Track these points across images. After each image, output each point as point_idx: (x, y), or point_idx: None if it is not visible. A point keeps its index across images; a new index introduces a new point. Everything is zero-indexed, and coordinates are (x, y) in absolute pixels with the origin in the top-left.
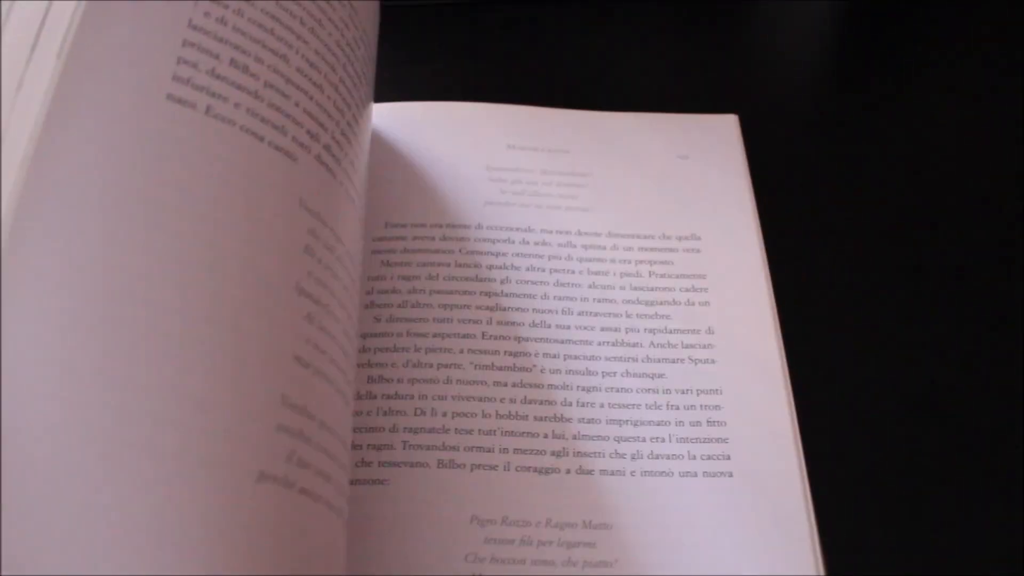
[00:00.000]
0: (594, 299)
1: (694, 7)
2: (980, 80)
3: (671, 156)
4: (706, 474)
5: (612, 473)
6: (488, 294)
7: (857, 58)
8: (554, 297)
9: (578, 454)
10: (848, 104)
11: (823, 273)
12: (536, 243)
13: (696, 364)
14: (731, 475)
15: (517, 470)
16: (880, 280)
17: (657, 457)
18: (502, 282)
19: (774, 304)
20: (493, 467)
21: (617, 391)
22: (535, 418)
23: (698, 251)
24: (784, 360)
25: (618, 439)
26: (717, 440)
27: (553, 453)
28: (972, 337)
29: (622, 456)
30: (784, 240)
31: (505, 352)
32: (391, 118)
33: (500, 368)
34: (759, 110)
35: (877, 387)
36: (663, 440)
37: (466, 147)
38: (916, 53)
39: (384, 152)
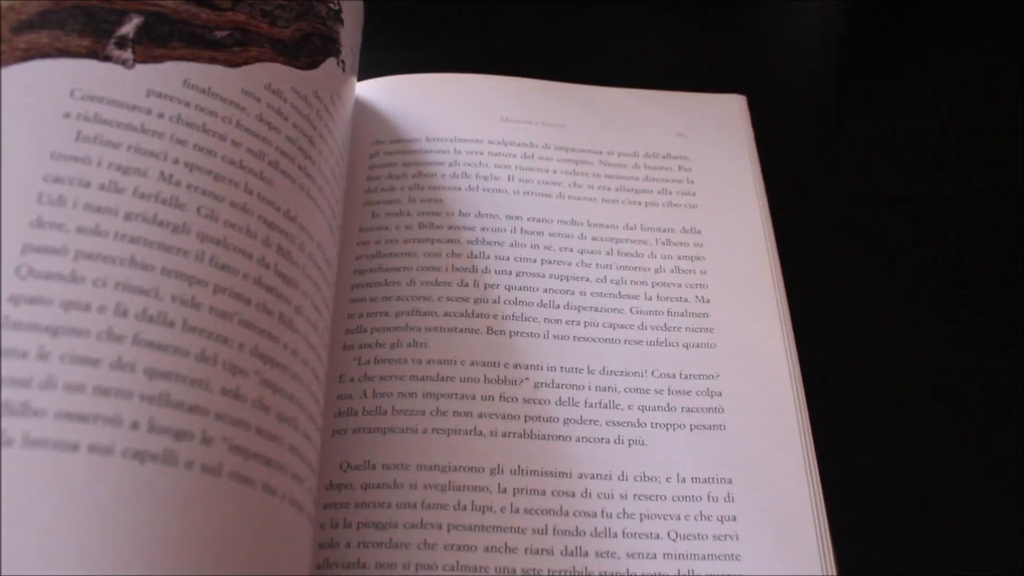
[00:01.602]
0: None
1: (697, 12)
2: (991, 65)
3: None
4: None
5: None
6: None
7: (865, 43)
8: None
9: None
10: (857, 90)
11: (831, 263)
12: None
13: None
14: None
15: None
16: (889, 270)
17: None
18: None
19: (782, 298)
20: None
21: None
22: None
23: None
24: (790, 353)
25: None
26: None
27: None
28: (983, 331)
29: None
30: (792, 230)
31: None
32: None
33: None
34: (766, 93)
35: (887, 380)
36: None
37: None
38: (926, 37)
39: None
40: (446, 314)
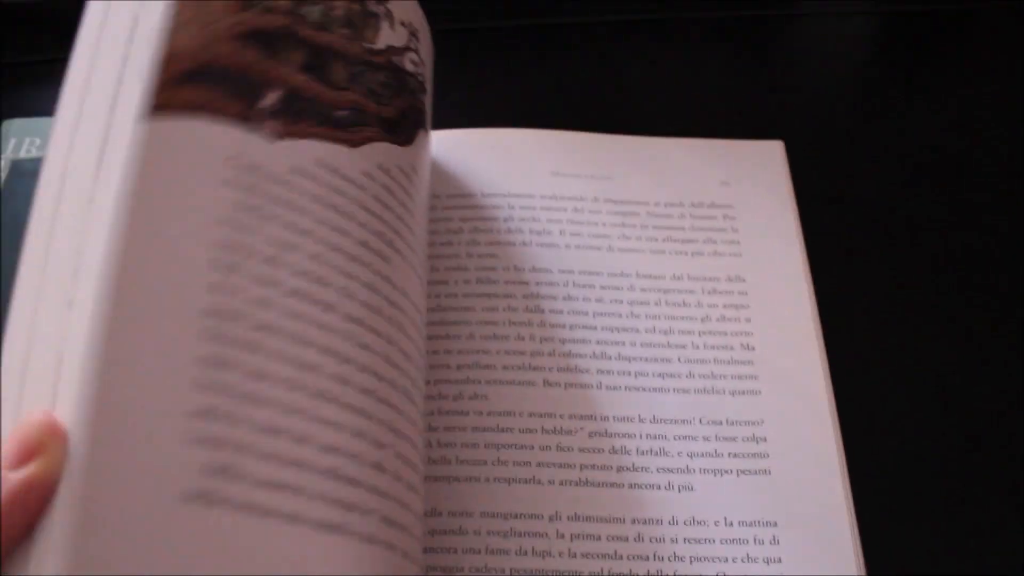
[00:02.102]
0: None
1: (730, 30)
2: (1020, 92)
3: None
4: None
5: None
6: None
7: (894, 75)
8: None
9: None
10: (887, 123)
11: (868, 300)
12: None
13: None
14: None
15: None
16: (927, 304)
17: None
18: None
19: (821, 340)
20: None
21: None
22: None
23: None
24: (831, 398)
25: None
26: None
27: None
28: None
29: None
30: (828, 266)
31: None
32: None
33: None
34: (800, 133)
35: (926, 422)
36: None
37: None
38: (954, 67)
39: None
40: (504, 367)
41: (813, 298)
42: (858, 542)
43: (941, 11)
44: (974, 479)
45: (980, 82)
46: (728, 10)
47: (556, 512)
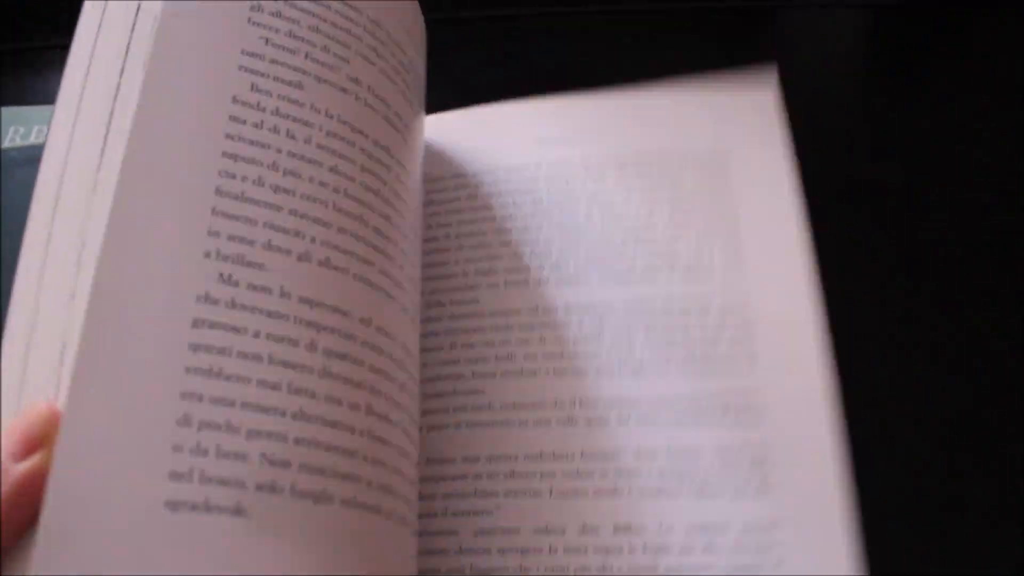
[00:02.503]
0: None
1: (720, 22)
2: (1021, 85)
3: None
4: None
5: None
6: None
7: (886, 69)
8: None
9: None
10: (879, 117)
11: (865, 299)
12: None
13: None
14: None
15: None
16: (923, 301)
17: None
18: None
19: (820, 328)
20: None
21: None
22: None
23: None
24: (829, 381)
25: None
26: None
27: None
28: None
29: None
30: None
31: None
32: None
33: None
34: (790, 125)
35: (927, 424)
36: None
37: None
38: (946, 61)
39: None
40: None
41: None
42: (856, 542)
43: (933, 5)
44: (978, 494)
45: (973, 76)
46: (718, 1)
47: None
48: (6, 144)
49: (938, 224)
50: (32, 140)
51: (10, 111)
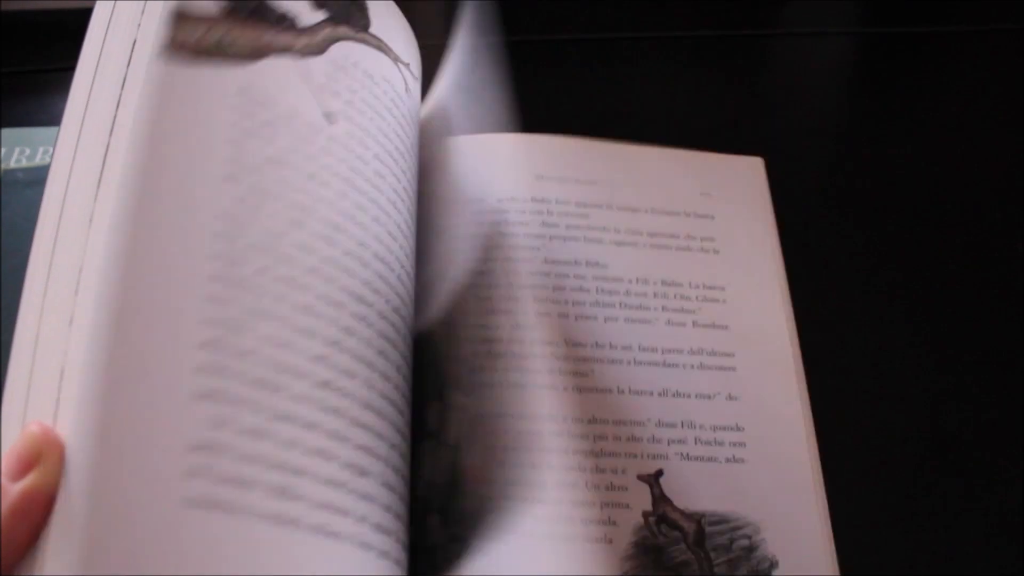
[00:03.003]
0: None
1: (712, 49)
2: (1003, 112)
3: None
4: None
5: None
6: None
7: (875, 94)
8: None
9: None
10: (867, 143)
11: (847, 317)
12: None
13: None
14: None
15: None
16: (906, 320)
17: None
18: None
19: (799, 356)
20: None
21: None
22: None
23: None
24: (807, 414)
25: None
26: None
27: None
28: (1000, 389)
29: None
30: (808, 284)
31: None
32: None
33: None
34: (778, 148)
35: (903, 441)
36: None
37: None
38: (933, 87)
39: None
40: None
41: (792, 315)
42: (831, 542)
43: (921, 32)
44: (948, 481)
45: (960, 101)
46: (710, 29)
47: None
48: (12, 165)
49: (921, 245)
50: (37, 161)
51: (15, 132)
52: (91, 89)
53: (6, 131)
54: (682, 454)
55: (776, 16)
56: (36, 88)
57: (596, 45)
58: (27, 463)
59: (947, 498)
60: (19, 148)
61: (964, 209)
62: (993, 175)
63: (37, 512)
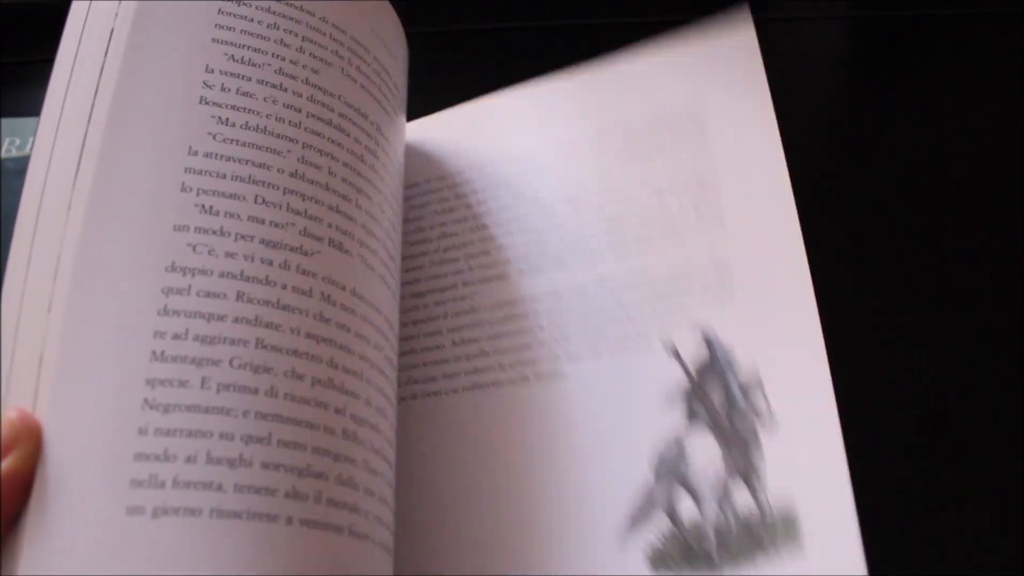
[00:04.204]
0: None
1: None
2: (1000, 98)
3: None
4: None
5: None
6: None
7: (868, 80)
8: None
9: None
10: (861, 129)
11: (859, 309)
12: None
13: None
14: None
15: None
16: (918, 308)
17: None
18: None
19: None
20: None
21: None
22: None
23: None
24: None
25: None
26: None
27: None
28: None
29: None
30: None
31: None
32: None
33: None
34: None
35: (900, 428)
36: None
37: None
38: (927, 72)
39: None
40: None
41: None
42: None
43: (914, 16)
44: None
45: (955, 87)
46: (700, 14)
47: None
48: (3, 155)
49: (920, 232)
50: (28, 151)
51: (7, 122)
52: (70, 77)
53: (1, 120)
54: None
55: (766, 1)
56: (27, 78)
57: (580, 33)
58: (4, 447)
59: (945, 487)
60: (10, 138)
61: (961, 195)
62: (990, 161)
63: (15, 494)
